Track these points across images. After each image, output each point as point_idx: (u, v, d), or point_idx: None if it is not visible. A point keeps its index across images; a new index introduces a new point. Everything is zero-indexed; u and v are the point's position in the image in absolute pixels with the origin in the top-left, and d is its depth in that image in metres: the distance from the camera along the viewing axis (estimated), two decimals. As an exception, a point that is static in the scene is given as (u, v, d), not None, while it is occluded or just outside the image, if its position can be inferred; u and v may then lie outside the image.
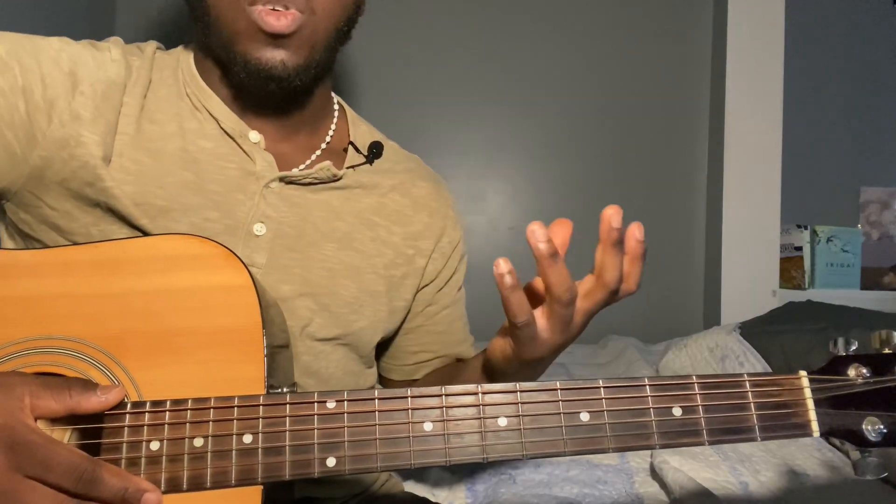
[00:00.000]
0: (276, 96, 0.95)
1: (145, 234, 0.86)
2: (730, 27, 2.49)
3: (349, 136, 1.07)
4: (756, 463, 1.29)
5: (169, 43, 1.04)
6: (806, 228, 2.54)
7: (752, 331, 1.90)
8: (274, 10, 0.86)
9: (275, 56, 0.89)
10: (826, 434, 0.66)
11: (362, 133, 1.08)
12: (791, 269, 2.53)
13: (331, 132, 1.05)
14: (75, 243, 0.82)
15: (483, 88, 2.59)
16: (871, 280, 2.57)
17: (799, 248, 2.52)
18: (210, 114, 0.95)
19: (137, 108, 0.91)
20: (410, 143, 1.18)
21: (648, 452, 1.30)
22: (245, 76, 0.90)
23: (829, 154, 2.68)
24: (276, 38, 0.88)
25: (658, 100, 2.61)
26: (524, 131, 2.59)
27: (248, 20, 0.87)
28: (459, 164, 2.55)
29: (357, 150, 1.05)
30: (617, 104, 2.60)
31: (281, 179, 0.95)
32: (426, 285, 1.09)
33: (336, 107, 1.09)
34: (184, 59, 0.99)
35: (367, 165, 1.05)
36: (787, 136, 2.48)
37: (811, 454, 1.35)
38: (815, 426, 0.66)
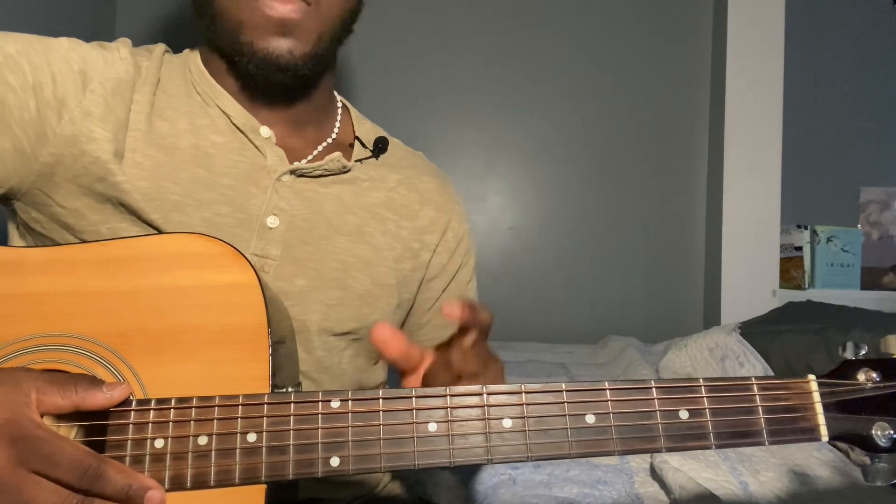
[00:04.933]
0: (283, 88, 0.97)
1: (155, 228, 0.86)
2: (730, 27, 2.49)
3: (354, 131, 1.08)
4: (756, 463, 1.29)
5: (169, 42, 1.04)
6: (806, 228, 2.54)
7: (752, 331, 1.91)
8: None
9: (281, 45, 0.90)
10: (835, 438, 0.66)
11: (367, 130, 1.10)
12: (791, 269, 2.54)
13: (336, 127, 1.07)
14: (84, 241, 0.83)
15: (483, 88, 2.59)
16: (871, 280, 2.58)
17: (799, 248, 2.53)
18: (221, 109, 0.96)
19: (148, 106, 0.91)
20: (411, 142, 1.18)
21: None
22: (253, 67, 0.92)
23: (829, 154, 2.68)
24: (282, 27, 0.89)
25: (658, 100, 2.61)
26: (524, 131, 2.59)
27: (253, 8, 0.88)
28: (459, 164, 2.56)
29: (363, 144, 1.06)
30: (617, 104, 2.60)
31: (292, 172, 0.96)
32: (431, 279, 1.09)
33: (339, 105, 1.10)
34: (192, 58, 1.01)
35: (374, 160, 1.07)
36: (787, 136, 2.49)
37: (811, 454, 1.35)
38: (823, 431, 0.66)
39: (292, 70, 0.92)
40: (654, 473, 1.24)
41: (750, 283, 2.46)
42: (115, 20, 2.51)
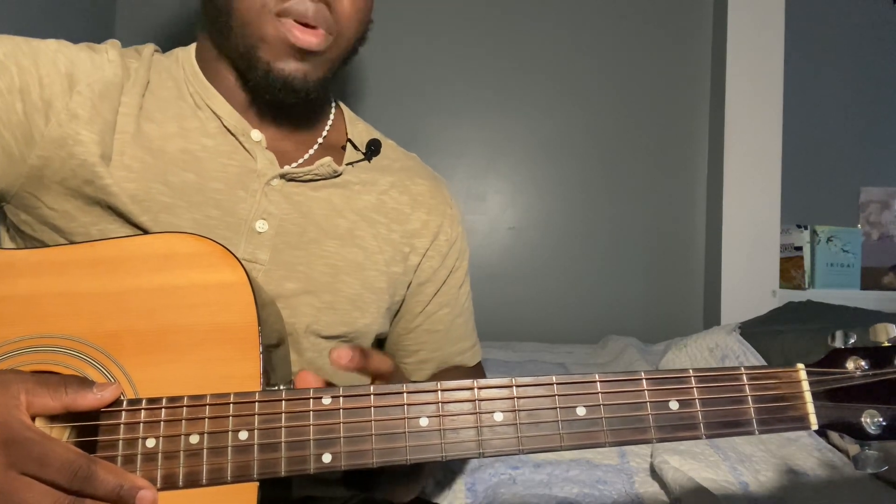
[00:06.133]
0: (283, 101, 0.96)
1: (144, 231, 0.86)
2: (730, 27, 2.49)
3: (346, 133, 1.08)
4: (756, 463, 1.29)
5: (169, 43, 1.04)
6: (806, 228, 2.54)
7: (752, 331, 1.90)
8: (304, 25, 0.89)
9: (299, 69, 0.91)
10: (825, 426, 0.66)
11: (360, 131, 1.09)
12: (791, 269, 2.53)
13: (327, 127, 1.06)
14: (74, 243, 0.82)
15: (483, 88, 2.58)
16: (871, 280, 2.57)
17: (799, 248, 2.52)
18: (213, 111, 0.96)
19: (136, 108, 0.91)
20: (410, 142, 1.18)
21: (648, 452, 1.29)
22: (264, 83, 0.92)
23: (829, 154, 2.67)
24: (303, 53, 0.90)
25: (658, 100, 2.61)
26: (524, 131, 2.59)
27: (277, 31, 0.89)
28: (459, 164, 2.55)
29: (355, 147, 1.06)
30: (617, 104, 2.60)
31: (282, 177, 0.96)
32: (422, 283, 1.09)
33: (333, 106, 1.10)
34: (184, 57, 1.00)
35: (366, 163, 1.06)
36: (787, 136, 2.48)
37: (811, 454, 1.34)
38: (812, 419, 0.66)
39: (302, 93, 0.93)
40: (655, 473, 1.23)
41: (750, 283, 2.45)
42: (115, 20, 2.51)
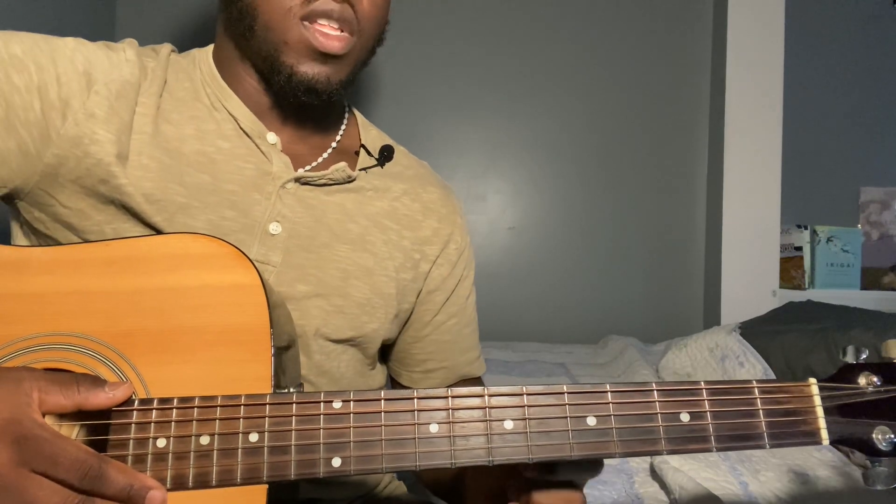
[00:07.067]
0: (302, 104, 0.96)
1: (158, 231, 0.87)
2: (730, 27, 2.49)
3: (360, 139, 1.08)
4: (756, 463, 1.29)
5: (169, 42, 1.04)
6: (806, 228, 2.54)
7: (752, 331, 1.91)
8: (328, 30, 0.90)
9: (322, 72, 0.92)
10: (836, 442, 0.66)
11: (373, 137, 1.10)
12: (791, 269, 2.54)
13: (341, 132, 1.06)
14: (88, 241, 0.83)
15: (483, 88, 2.59)
16: (871, 280, 2.58)
17: (799, 248, 2.53)
18: (229, 113, 0.96)
19: (154, 108, 0.91)
20: (410, 142, 1.18)
21: (648, 451, 1.30)
22: (287, 87, 0.92)
23: (829, 154, 2.68)
24: (326, 56, 0.91)
25: (658, 100, 2.61)
26: (524, 131, 2.59)
27: (301, 35, 0.90)
28: (459, 164, 2.56)
29: (368, 152, 1.06)
30: (617, 104, 2.60)
31: (297, 180, 0.96)
32: (432, 292, 1.09)
33: (347, 111, 1.10)
34: (201, 58, 1.00)
35: (378, 168, 1.06)
36: (787, 136, 2.49)
37: (811, 454, 1.35)
38: (824, 434, 0.66)
39: (325, 95, 0.93)
40: (654, 473, 1.24)
41: (750, 283, 2.46)
42: (116, 20, 2.51)
